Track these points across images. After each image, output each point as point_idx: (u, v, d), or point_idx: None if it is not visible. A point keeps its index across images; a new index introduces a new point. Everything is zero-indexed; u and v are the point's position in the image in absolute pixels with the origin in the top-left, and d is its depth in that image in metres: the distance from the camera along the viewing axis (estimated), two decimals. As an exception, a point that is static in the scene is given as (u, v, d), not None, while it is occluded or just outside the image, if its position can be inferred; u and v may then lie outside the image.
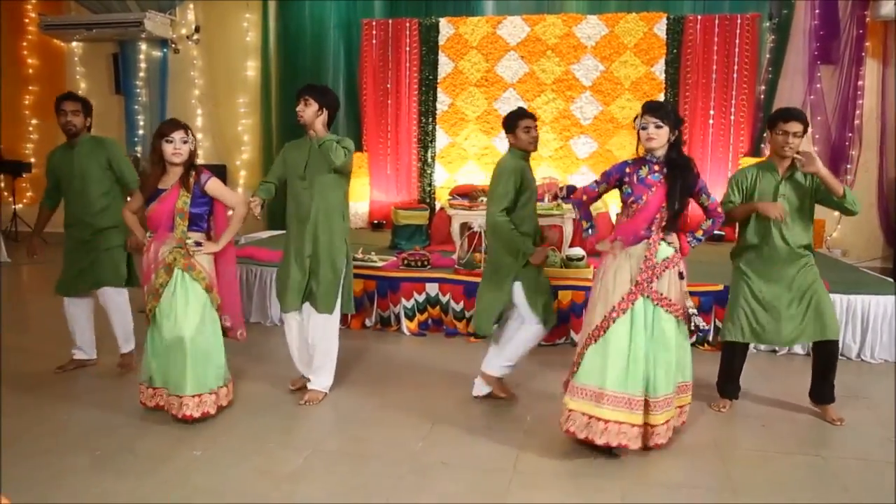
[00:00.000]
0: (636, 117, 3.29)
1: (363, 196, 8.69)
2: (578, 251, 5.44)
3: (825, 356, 3.78)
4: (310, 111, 3.78)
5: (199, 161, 3.99)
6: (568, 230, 6.01)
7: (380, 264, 5.60)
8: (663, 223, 3.26)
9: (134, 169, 4.42)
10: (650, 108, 3.23)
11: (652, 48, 8.05)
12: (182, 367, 3.50)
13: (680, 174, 3.24)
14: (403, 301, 5.41)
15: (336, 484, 3.02)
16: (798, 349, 4.93)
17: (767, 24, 7.99)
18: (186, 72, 9.71)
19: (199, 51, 9.68)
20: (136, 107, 9.90)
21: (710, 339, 5.00)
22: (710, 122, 8.06)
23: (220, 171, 9.23)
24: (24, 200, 10.26)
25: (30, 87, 10.20)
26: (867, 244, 7.90)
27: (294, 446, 3.39)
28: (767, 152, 7.54)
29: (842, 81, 7.80)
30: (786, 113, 3.66)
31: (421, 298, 5.40)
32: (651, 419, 3.20)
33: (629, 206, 3.32)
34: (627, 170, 3.34)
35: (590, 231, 3.54)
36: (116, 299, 4.40)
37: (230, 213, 3.78)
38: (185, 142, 3.54)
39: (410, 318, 5.42)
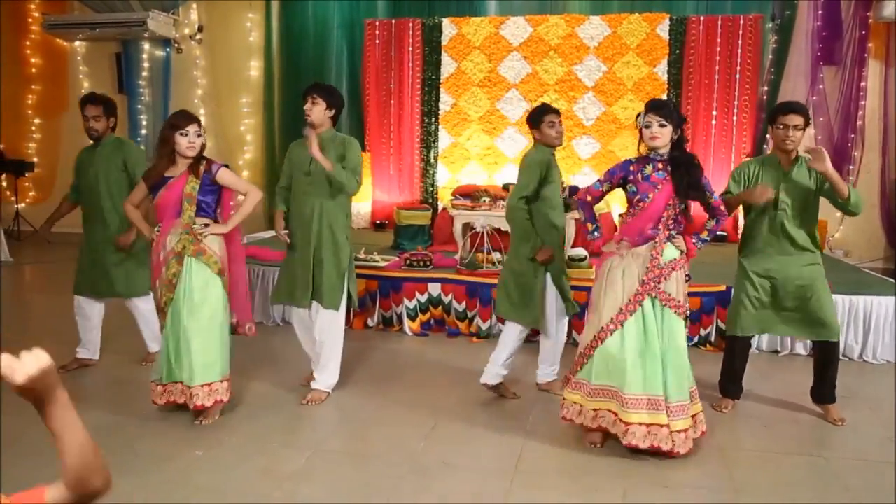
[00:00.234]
0: (639, 115, 3.28)
1: (365, 196, 8.69)
2: (580, 251, 5.44)
3: (824, 357, 3.78)
4: (317, 110, 3.83)
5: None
6: (570, 231, 6.01)
7: (382, 264, 5.61)
8: (670, 221, 3.26)
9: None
10: (654, 107, 3.22)
11: (654, 49, 8.05)
12: (190, 355, 3.48)
13: (685, 170, 3.23)
14: (406, 301, 5.42)
15: (338, 483, 3.02)
16: (800, 349, 4.93)
17: (770, 24, 7.99)
18: (189, 71, 9.72)
19: (202, 50, 9.70)
20: (139, 106, 9.92)
21: (713, 339, 5.00)
22: (713, 122, 8.06)
23: (223, 171, 9.22)
24: (27, 200, 10.29)
25: (33, 87, 10.23)
26: (869, 245, 7.90)
27: (296, 446, 3.39)
28: (769, 150, 7.60)
29: (844, 82, 7.79)
30: (785, 106, 3.68)
31: (423, 299, 5.40)
32: (669, 425, 3.18)
33: (635, 205, 3.31)
34: (632, 168, 3.33)
35: (595, 233, 3.51)
36: (143, 307, 4.46)
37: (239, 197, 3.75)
38: (199, 135, 3.53)
39: (413, 318, 5.43)
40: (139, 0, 9.35)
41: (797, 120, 3.58)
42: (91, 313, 4.44)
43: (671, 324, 3.21)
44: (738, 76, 7.94)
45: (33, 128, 10.31)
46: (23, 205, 10.05)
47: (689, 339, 3.30)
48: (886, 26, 7.62)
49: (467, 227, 6.02)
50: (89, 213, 4.38)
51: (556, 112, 3.99)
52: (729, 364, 3.95)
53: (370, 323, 5.52)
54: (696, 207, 3.50)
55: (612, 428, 3.23)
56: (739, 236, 3.99)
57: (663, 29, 8.02)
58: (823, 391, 3.79)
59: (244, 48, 9.49)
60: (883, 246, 7.92)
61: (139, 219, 3.76)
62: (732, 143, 8.04)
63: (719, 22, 7.95)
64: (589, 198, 3.48)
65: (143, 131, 9.89)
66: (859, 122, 7.77)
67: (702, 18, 8.01)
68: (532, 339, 4.24)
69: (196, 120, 3.55)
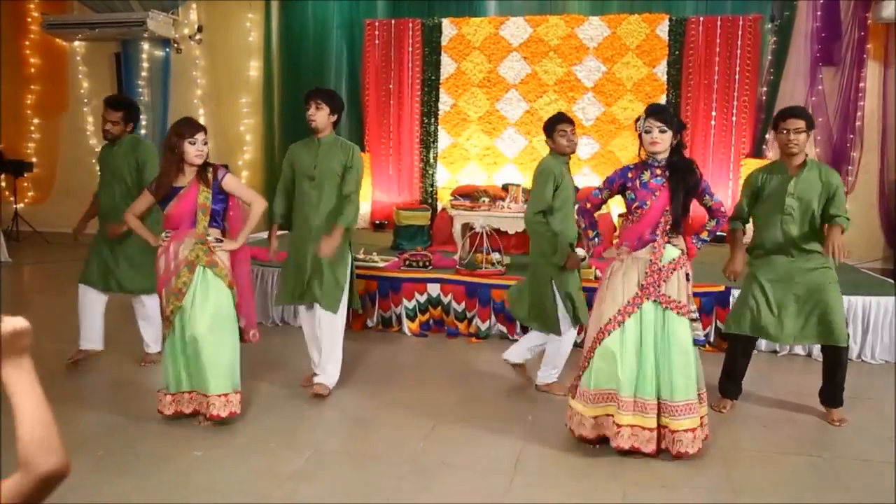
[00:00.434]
0: (638, 119, 3.28)
1: (365, 196, 8.67)
2: (580, 253, 5.44)
3: (832, 361, 3.77)
4: (321, 115, 3.92)
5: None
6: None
7: (381, 265, 5.61)
8: (668, 227, 3.27)
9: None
10: (654, 112, 3.22)
11: (654, 49, 8.05)
12: (205, 366, 3.46)
13: (682, 177, 3.24)
14: (405, 301, 5.42)
15: (337, 484, 3.03)
16: (799, 350, 4.94)
17: (769, 25, 7.98)
18: (189, 72, 9.71)
19: (201, 51, 9.69)
20: (139, 106, 9.88)
21: (712, 339, 5.00)
22: (712, 123, 8.06)
23: (222, 171, 9.22)
24: (26, 200, 10.28)
25: (32, 87, 10.21)
26: (868, 245, 7.90)
27: (295, 446, 3.39)
28: (770, 154, 7.62)
29: (843, 83, 7.79)
30: (787, 111, 3.73)
31: (422, 299, 5.40)
32: (671, 424, 3.18)
33: (633, 212, 3.32)
34: (630, 175, 3.34)
35: (596, 239, 3.55)
36: (150, 305, 4.49)
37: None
38: (205, 143, 3.53)
39: (412, 318, 5.43)
40: (139, 0, 9.35)
41: (797, 123, 3.60)
42: (95, 303, 4.47)
43: (674, 325, 3.21)
44: (737, 77, 7.93)
45: (32, 128, 10.29)
46: (21, 205, 10.03)
47: (695, 340, 3.26)
48: (885, 27, 7.62)
49: (466, 227, 6.03)
50: (106, 209, 4.46)
51: (569, 122, 4.05)
52: (729, 363, 3.95)
53: (369, 323, 5.52)
54: (695, 207, 3.51)
55: (608, 431, 3.25)
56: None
57: (663, 30, 8.02)
58: (831, 394, 3.79)
59: (244, 48, 9.48)
60: (882, 246, 7.92)
61: (141, 227, 3.73)
62: (731, 144, 8.04)
63: (719, 23, 7.95)
64: (588, 205, 3.52)
65: (143, 131, 9.87)
66: (858, 123, 7.77)
67: (701, 19, 8.01)
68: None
69: (203, 128, 3.54)
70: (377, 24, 8.75)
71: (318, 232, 3.90)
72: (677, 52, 8.03)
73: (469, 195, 6.93)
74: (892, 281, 5.47)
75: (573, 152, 4.11)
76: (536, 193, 3.98)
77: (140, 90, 9.86)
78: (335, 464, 3.22)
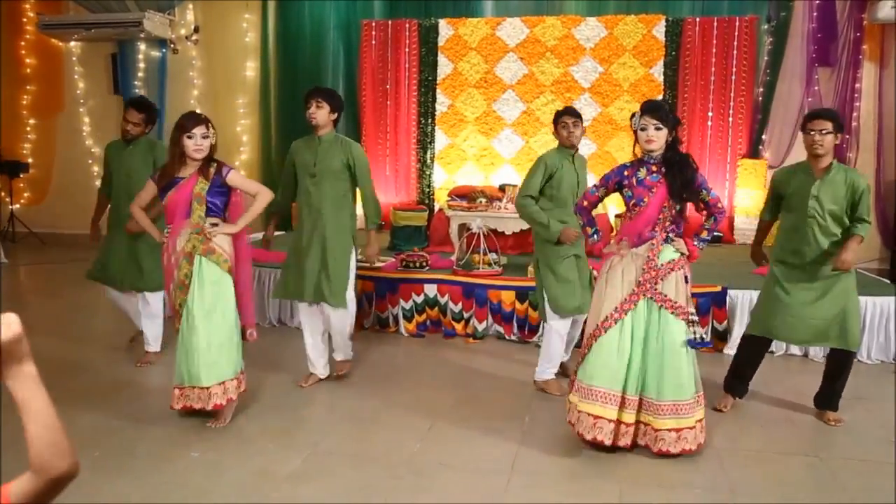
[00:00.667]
0: (633, 116, 3.27)
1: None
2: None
3: (838, 364, 3.77)
4: (322, 113, 3.97)
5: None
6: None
7: (378, 265, 5.60)
8: (667, 223, 3.27)
9: None
10: (649, 109, 3.22)
11: (651, 50, 8.06)
12: (204, 354, 3.46)
13: (678, 170, 3.23)
14: (402, 302, 5.42)
15: (335, 484, 3.02)
16: (795, 350, 4.95)
17: (766, 26, 8.00)
18: (185, 72, 9.70)
19: (198, 51, 9.68)
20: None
21: (708, 339, 5.00)
22: (709, 123, 8.07)
23: (219, 172, 9.21)
24: (22, 201, 10.24)
25: (28, 87, 10.18)
26: (864, 246, 7.77)
27: (293, 447, 3.39)
28: (766, 155, 7.62)
29: (839, 84, 7.81)
30: (814, 113, 3.75)
31: (419, 299, 5.40)
32: (654, 422, 3.20)
33: (631, 209, 3.33)
34: (626, 172, 3.34)
35: (595, 236, 3.55)
36: (153, 303, 4.51)
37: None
38: (206, 137, 3.48)
39: (409, 319, 5.43)
40: (135, 0, 9.33)
41: (823, 125, 3.60)
42: (120, 298, 4.60)
43: (668, 325, 3.20)
44: (733, 77, 7.95)
45: (28, 128, 10.25)
46: (17, 206, 10.00)
47: (693, 342, 3.25)
48: (881, 28, 7.64)
49: (463, 228, 6.02)
50: (118, 209, 4.48)
51: (572, 114, 4.10)
52: (741, 362, 3.94)
53: (366, 324, 5.51)
54: (691, 209, 3.50)
55: (588, 433, 3.25)
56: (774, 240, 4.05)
57: (659, 30, 8.03)
58: (828, 398, 3.80)
59: (240, 49, 9.47)
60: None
61: (146, 220, 3.75)
62: (728, 145, 8.05)
63: (715, 23, 7.96)
64: (586, 203, 3.52)
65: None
66: (854, 124, 7.79)
67: (698, 20, 8.02)
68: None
69: (204, 121, 3.50)
70: (374, 24, 8.75)
71: (322, 230, 3.98)
72: (674, 53, 8.04)
73: (466, 196, 6.93)
74: (888, 281, 5.49)
75: (573, 145, 4.12)
76: (525, 180, 4.13)
77: (136, 91, 9.82)
78: (333, 464, 3.22)
